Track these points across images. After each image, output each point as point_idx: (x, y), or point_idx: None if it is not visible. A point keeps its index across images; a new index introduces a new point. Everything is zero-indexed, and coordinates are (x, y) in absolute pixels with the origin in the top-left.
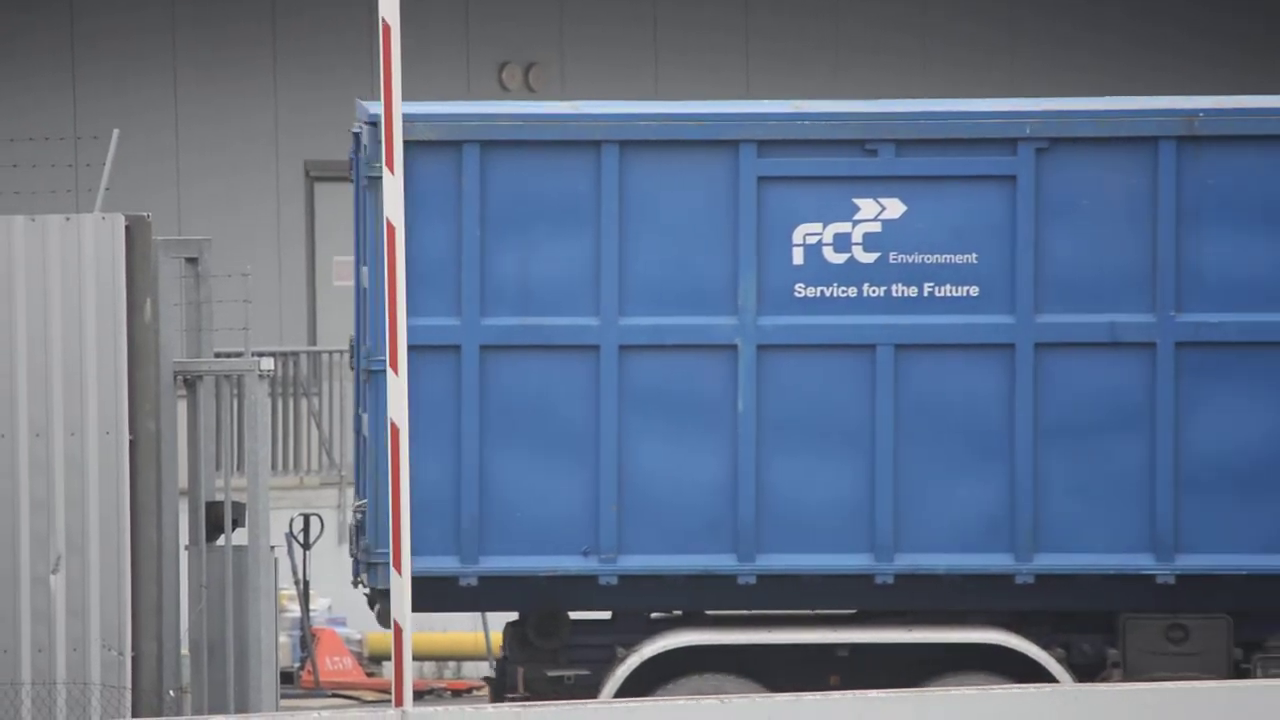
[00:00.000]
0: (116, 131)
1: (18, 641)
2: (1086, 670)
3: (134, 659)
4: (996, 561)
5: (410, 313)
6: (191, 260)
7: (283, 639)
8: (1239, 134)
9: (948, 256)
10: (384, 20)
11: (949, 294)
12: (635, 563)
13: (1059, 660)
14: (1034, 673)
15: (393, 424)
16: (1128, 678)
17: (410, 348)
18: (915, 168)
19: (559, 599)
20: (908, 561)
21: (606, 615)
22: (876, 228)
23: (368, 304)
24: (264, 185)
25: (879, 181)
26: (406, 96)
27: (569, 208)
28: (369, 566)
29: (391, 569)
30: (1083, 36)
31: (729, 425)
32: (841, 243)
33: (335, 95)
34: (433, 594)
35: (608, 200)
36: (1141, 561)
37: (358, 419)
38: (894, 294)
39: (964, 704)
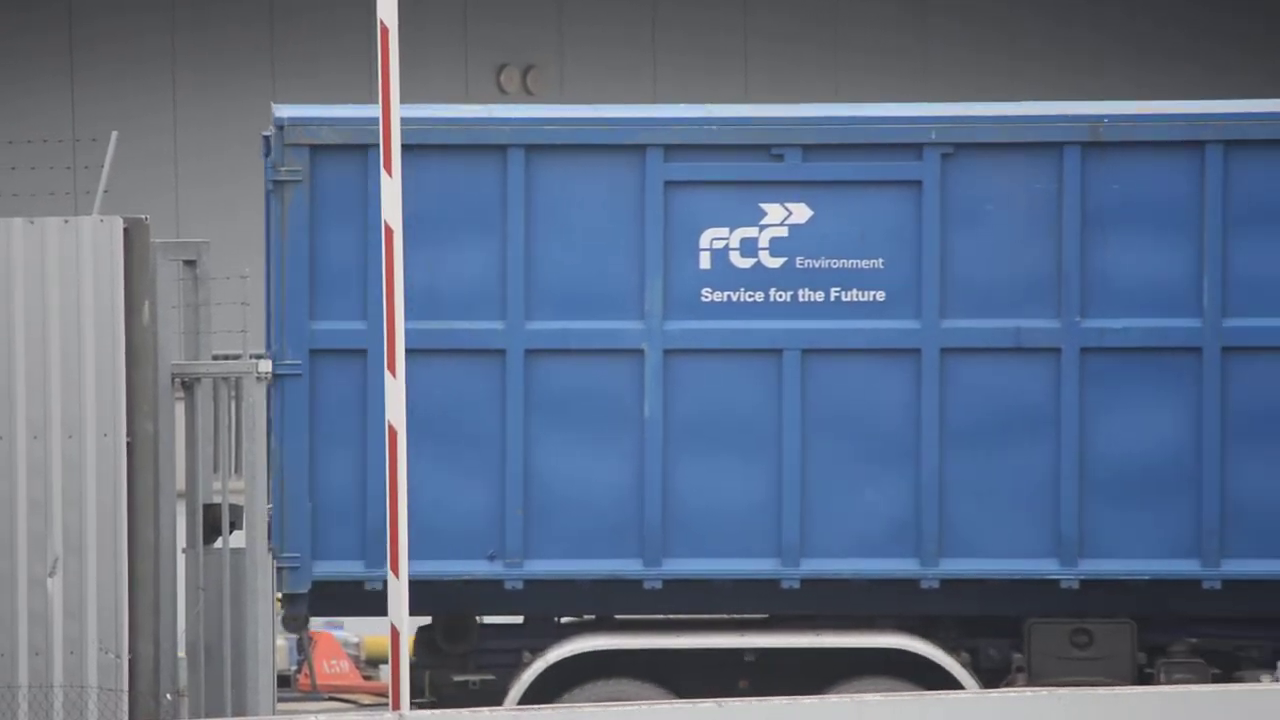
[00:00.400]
0: (115, 134)
1: (14, 644)
2: (993, 675)
3: (131, 662)
4: (902, 566)
5: (317, 316)
6: (189, 263)
7: (280, 642)
8: (1143, 140)
9: (854, 261)
10: (382, 23)
11: (855, 299)
12: (541, 567)
13: (964, 664)
14: (942, 677)
15: (390, 426)
16: (1032, 682)
17: (317, 351)
18: (822, 173)
19: (468, 603)
20: (814, 566)
21: (518, 620)
22: (783, 232)
23: (273, 306)
24: (262, 188)
25: (786, 186)
26: (405, 98)
27: (476, 212)
28: (277, 571)
29: (389, 573)
30: (1083, 38)
31: (635, 430)
32: (748, 247)
33: (334, 99)
34: (341, 599)
35: (514, 204)
36: (1046, 566)
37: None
38: (800, 299)
39: (961, 706)
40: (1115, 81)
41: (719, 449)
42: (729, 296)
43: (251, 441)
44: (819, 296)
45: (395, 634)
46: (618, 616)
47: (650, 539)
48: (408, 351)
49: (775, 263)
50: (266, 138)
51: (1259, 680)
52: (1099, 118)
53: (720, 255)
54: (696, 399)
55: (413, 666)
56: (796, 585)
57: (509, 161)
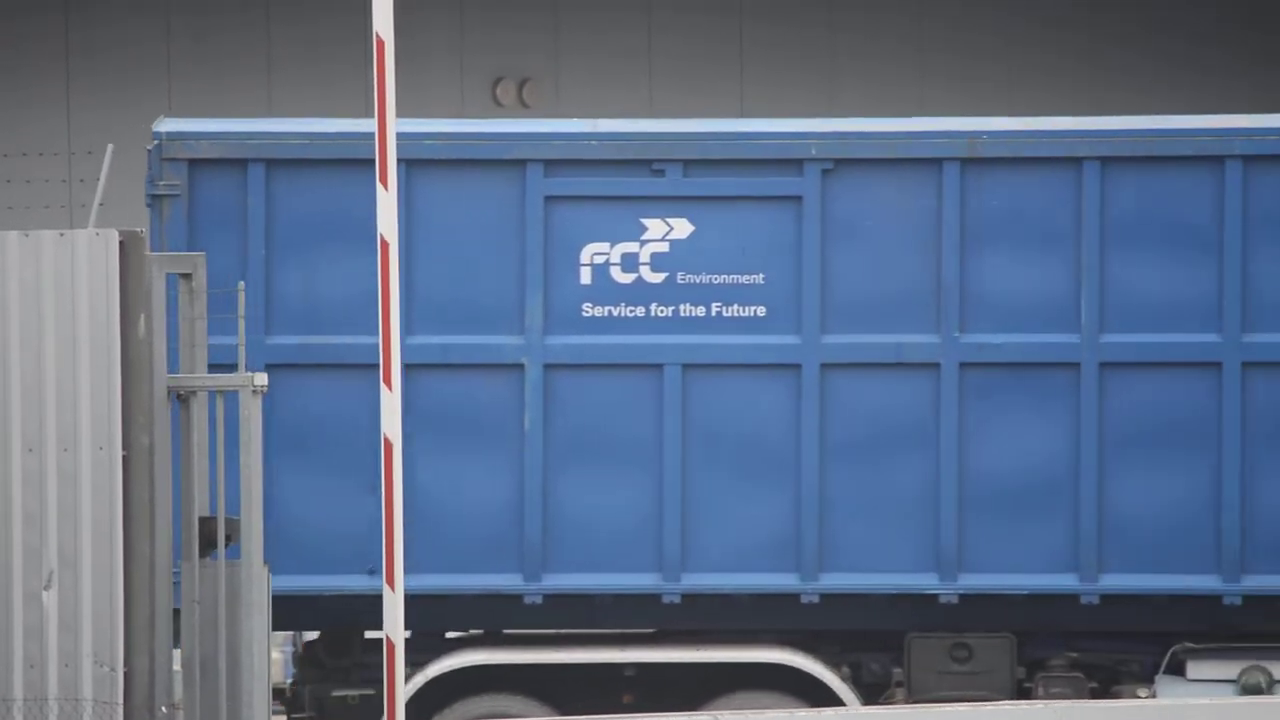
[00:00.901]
0: (111, 147)
1: (10, 657)
2: (875, 689)
3: (126, 675)
4: (783, 581)
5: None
6: (186, 276)
7: (275, 655)
8: (1020, 156)
9: (735, 277)
10: (378, 36)
11: (736, 314)
12: (421, 582)
13: (844, 679)
14: (824, 692)
15: (386, 438)
16: (912, 696)
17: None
18: (702, 188)
19: (351, 618)
20: (694, 581)
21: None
22: (664, 248)
23: None
24: None
25: (666, 202)
26: (400, 113)
27: (357, 226)
28: None
29: (384, 584)
30: (1081, 48)
31: (516, 444)
32: (629, 263)
33: (330, 111)
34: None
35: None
36: (925, 581)
37: None
38: (681, 314)
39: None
40: (1111, 92)
41: (600, 463)
42: (610, 311)
43: (247, 454)
44: (700, 311)
45: (390, 646)
46: (506, 631)
47: (530, 554)
48: (287, 366)
49: (656, 278)
50: (150, 151)
51: (1135, 694)
52: (977, 134)
53: (601, 270)
54: (577, 414)
55: (294, 682)
56: (677, 600)
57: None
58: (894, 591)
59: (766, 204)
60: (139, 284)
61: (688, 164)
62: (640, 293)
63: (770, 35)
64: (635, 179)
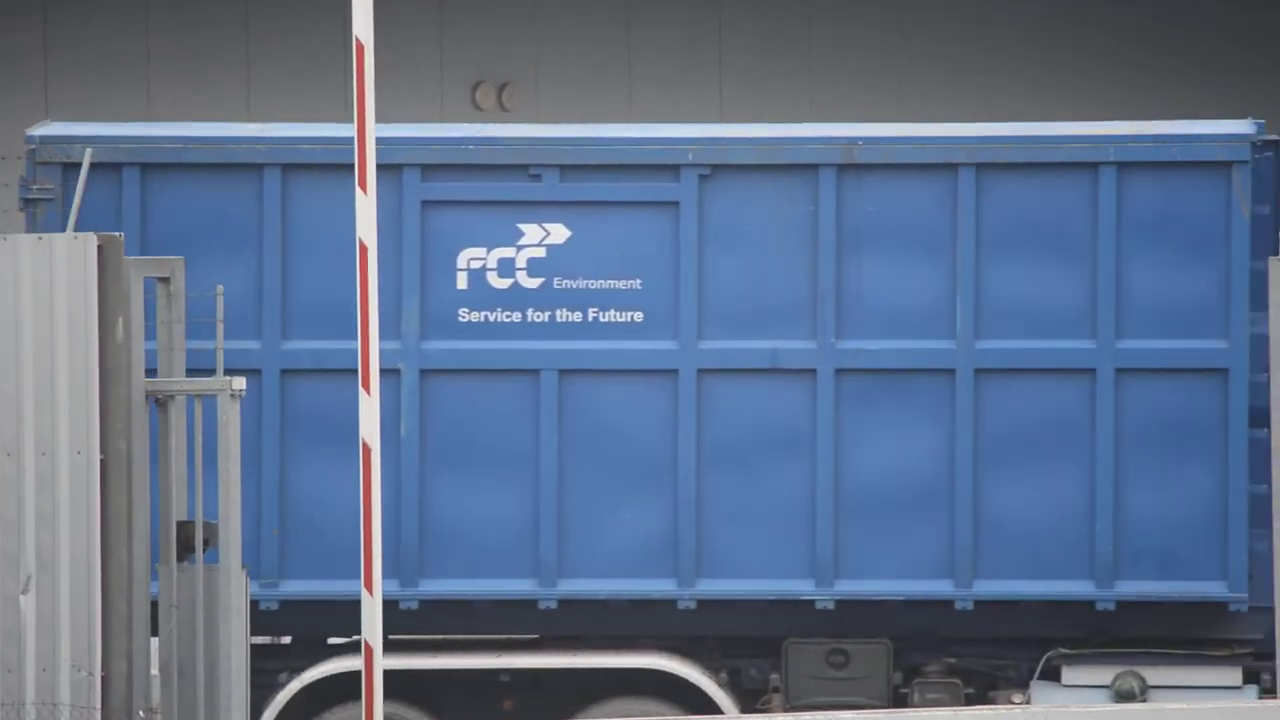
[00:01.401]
0: (89, 150)
1: None
2: (754, 695)
3: (104, 679)
4: (660, 587)
5: None
6: (164, 280)
7: None
8: (897, 162)
9: (612, 282)
10: (357, 40)
11: (613, 319)
12: (297, 588)
13: (721, 684)
14: (703, 697)
15: (364, 443)
16: (789, 702)
17: None
18: (579, 193)
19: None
20: (571, 587)
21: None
22: (541, 253)
23: None
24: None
25: (543, 207)
26: (380, 117)
27: (232, 231)
28: None
29: (363, 590)
30: (1061, 59)
31: (392, 449)
32: (506, 268)
33: (309, 115)
34: None
35: (270, 224)
36: (802, 587)
37: None
38: (558, 319)
39: None
40: (1091, 102)
41: (477, 469)
42: (486, 317)
43: (226, 459)
44: (576, 317)
45: (369, 651)
46: (391, 637)
47: (406, 559)
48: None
49: (533, 283)
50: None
51: (1011, 700)
52: (853, 140)
53: (477, 275)
54: (454, 419)
55: None
56: (554, 606)
57: (265, 181)
58: (770, 597)
59: (644, 209)
60: (117, 288)
61: (565, 169)
62: (517, 298)
63: (749, 39)
64: (512, 184)
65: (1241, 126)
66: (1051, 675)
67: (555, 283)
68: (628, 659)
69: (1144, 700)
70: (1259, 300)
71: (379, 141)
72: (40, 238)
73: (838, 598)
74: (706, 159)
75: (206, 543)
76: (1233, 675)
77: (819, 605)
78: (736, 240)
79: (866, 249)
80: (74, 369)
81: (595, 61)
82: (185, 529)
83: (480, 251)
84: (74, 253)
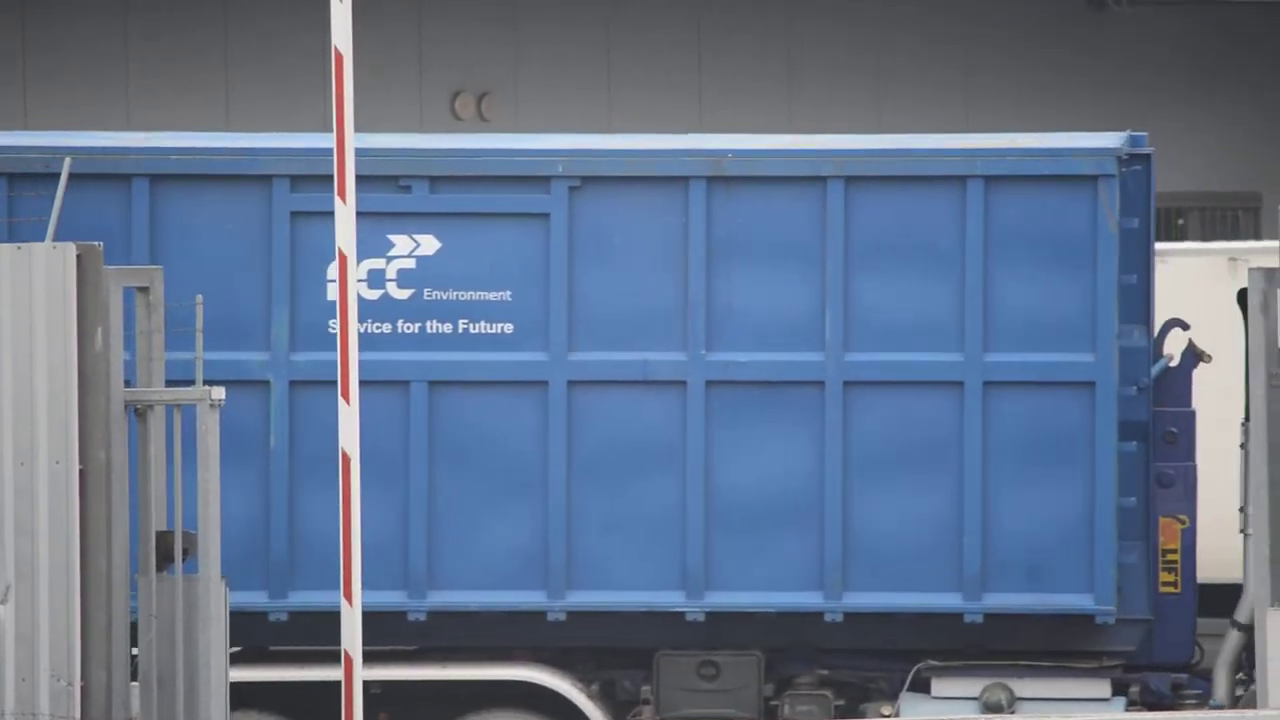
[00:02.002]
0: (68, 159)
1: None
2: (627, 707)
3: (83, 689)
4: (530, 599)
5: None
6: (143, 289)
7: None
8: (767, 175)
9: (482, 294)
10: (336, 49)
11: (484, 331)
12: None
13: (592, 696)
14: (578, 709)
15: (344, 453)
16: (660, 714)
17: None
18: (449, 204)
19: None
20: (441, 599)
21: None
22: (411, 264)
23: None
24: None
25: (414, 218)
26: (359, 125)
27: (106, 242)
28: None
29: (342, 599)
30: (1037, 77)
31: (262, 461)
32: (376, 279)
33: (288, 124)
34: None
35: (138, 234)
36: (672, 599)
37: None
38: (429, 330)
39: None
40: (1076, 116)
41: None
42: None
43: (205, 468)
44: (447, 328)
45: (348, 661)
46: (272, 648)
47: (276, 571)
48: None
49: (403, 294)
50: None
51: (880, 713)
52: (723, 152)
53: None
54: (323, 431)
55: None
56: (423, 618)
57: (133, 191)
58: (640, 609)
59: (514, 221)
60: (96, 298)
61: (434, 180)
62: (387, 309)
63: (729, 48)
64: (382, 195)
65: (1108, 140)
66: (922, 687)
67: (425, 294)
68: (498, 671)
69: (1011, 713)
70: (1129, 313)
71: (248, 152)
72: (19, 247)
73: (708, 610)
74: (576, 171)
75: (186, 552)
76: (1101, 688)
77: (689, 617)
78: (607, 252)
79: (737, 261)
80: (53, 379)
81: (575, 71)
82: (164, 539)
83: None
84: (53, 262)
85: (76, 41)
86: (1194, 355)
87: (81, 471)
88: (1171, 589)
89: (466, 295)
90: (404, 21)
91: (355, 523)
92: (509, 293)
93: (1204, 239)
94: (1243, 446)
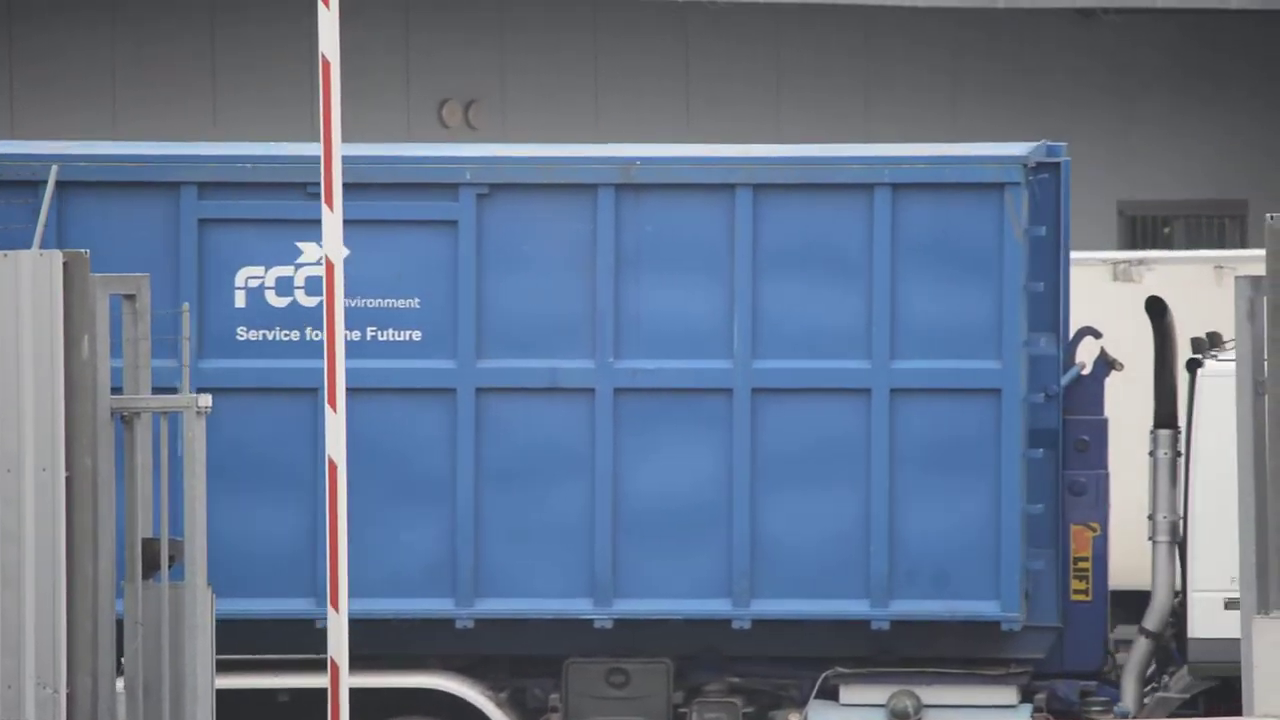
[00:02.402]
0: (55, 167)
1: None
2: (539, 714)
3: (69, 696)
4: (438, 606)
5: None
6: (129, 297)
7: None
8: (675, 182)
9: (391, 301)
10: (323, 56)
11: (392, 338)
12: None
13: (501, 704)
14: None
15: (330, 460)
16: None
17: None
18: (358, 211)
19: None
20: (350, 606)
21: None
22: (319, 271)
23: None
24: None
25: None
26: (347, 134)
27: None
28: None
29: (329, 606)
30: (1025, 86)
31: (173, 469)
32: (284, 286)
33: (275, 133)
34: None
35: (47, 241)
36: (580, 606)
37: None
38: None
39: None
40: (1055, 121)
41: (256, 488)
42: (264, 335)
43: (191, 476)
44: (355, 335)
45: (334, 668)
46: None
47: None
48: None
49: (311, 302)
50: None
51: (787, 719)
52: (631, 160)
53: (256, 294)
54: (232, 438)
55: None
56: None
57: (41, 198)
58: (548, 616)
59: (422, 228)
60: (83, 305)
61: (343, 187)
62: (295, 316)
63: (717, 56)
64: (290, 202)
65: (1014, 149)
66: (831, 694)
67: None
68: (408, 679)
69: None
70: (1038, 321)
71: (156, 159)
72: (5, 255)
73: (615, 617)
74: (484, 178)
75: (172, 559)
76: (1007, 694)
77: (597, 625)
78: (516, 259)
79: (645, 269)
80: (39, 386)
81: (563, 78)
82: (151, 546)
83: (258, 270)
84: (39, 270)
85: (64, 51)
86: (1106, 363)
87: (68, 478)
88: (1083, 596)
89: (375, 302)
90: (391, 30)
91: (342, 530)
92: (417, 300)
93: (1190, 247)
94: (1151, 454)
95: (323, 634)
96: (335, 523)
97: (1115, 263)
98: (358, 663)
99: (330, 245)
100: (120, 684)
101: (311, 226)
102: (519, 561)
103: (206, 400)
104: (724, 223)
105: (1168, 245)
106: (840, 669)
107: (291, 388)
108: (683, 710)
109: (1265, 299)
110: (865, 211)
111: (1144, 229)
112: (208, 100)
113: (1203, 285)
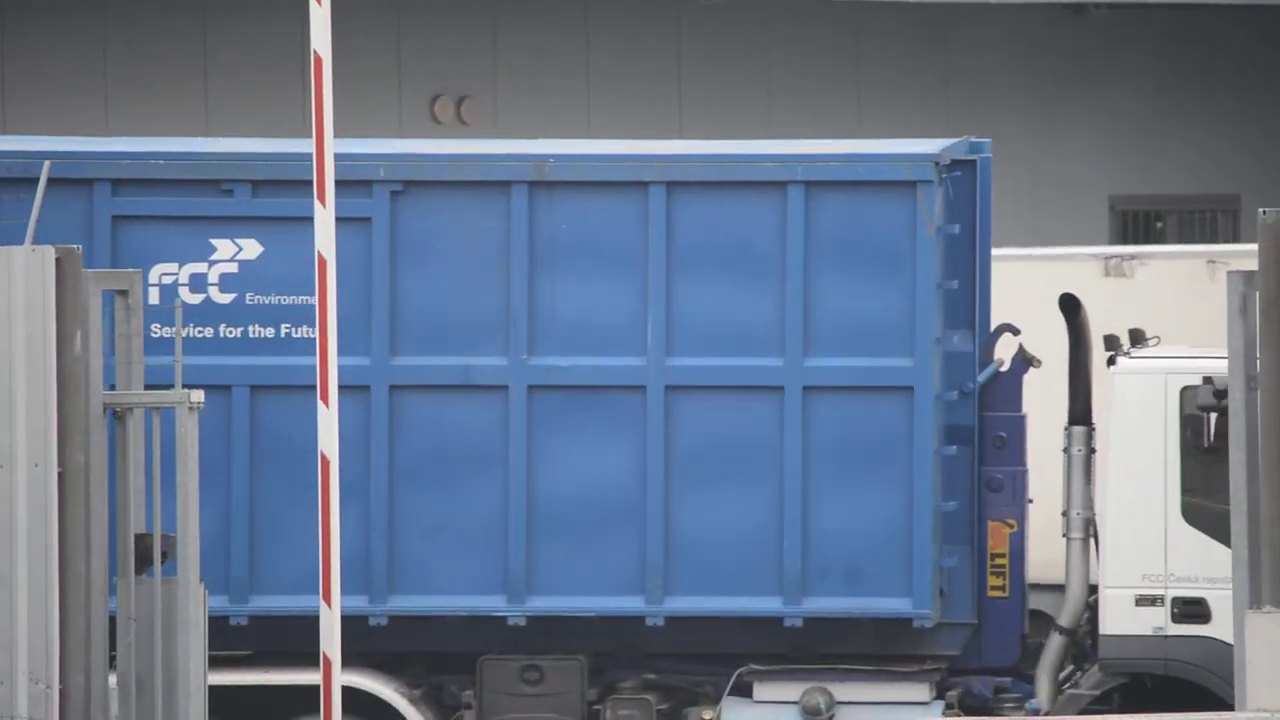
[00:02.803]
0: (47, 164)
1: None
2: (454, 711)
3: (62, 693)
4: (352, 604)
5: None
6: (122, 293)
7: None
8: (588, 180)
9: (305, 298)
10: (315, 53)
11: (306, 335)
12: None
13: (415, 701)
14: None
15: (323, 456)
16: (484, 718)
17: None
18: (272, 209)
19: None
20: (262, 604)
21: None
22: (233, 268)
23: None
24: None
25: (235, 222)
26: (339, 131)
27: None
28: None
29: (321, 602)
30: (1016, 81)
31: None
32: (198, 283)
33: (267, 129)
34: None
35: None
36: (494, 604)
37: None
38: (251, 335)
39: None
40: (1047, 115)
41: (167, 485)
42: None
43: (184, 471)
44: (269, 333)
45: (327, 664)
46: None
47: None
48: None
49: (225, 298)
50: None
51: (701, 717)
52: (545, 157)
53: (169, 291)
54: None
55: None
56: (245, 622)
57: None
58: (461, 614)
59: (337, 225)
60: (75, 301)
61: (256, 184)
62: (209, 313)
63: (709, 51)
64: (204, 199)
65: (926, 146)
66: (746, 691)
67: (248, 298)
68: (317, 675)
69: (830, 716)
70: (954, 319)
71: (69, 156)
72: None
73: (529, 614)
74: (398, 175)
75: (164, 555)
76: (920, 691)
77: (511, 622)
78: (430, 257)
79: (560, 266)
80: (32, 382)
81: (555, 73)
82: (143, 541)
83: (172, 267)
84: (32, 266)
85: (56, 48)
86: (1024, 360)
87: (60, 474)
88: (1000, 593)
89: (289, 299)
90: (384, 26)
91: (334, 527)
92: None
93: (1182, 242)
94: (1065, 451)
95: (239, 631)
96: (327, 518)
97: (1107, 258)
98: (274, 659)
99: (322, 242)
100: (113, 679)
101: (225, 223)
102: (433, 559)
103: (199, 396)
104: (638, 220)
105: (1160, 240)
106: (754, 666)
107: (205, 385)
108: (598, 707)
109: (1257, 294)
110: (779, 209)
111: (1136, 224)
112: (200, 97)
113: (1195, 280)
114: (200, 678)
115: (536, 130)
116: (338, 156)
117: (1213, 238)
